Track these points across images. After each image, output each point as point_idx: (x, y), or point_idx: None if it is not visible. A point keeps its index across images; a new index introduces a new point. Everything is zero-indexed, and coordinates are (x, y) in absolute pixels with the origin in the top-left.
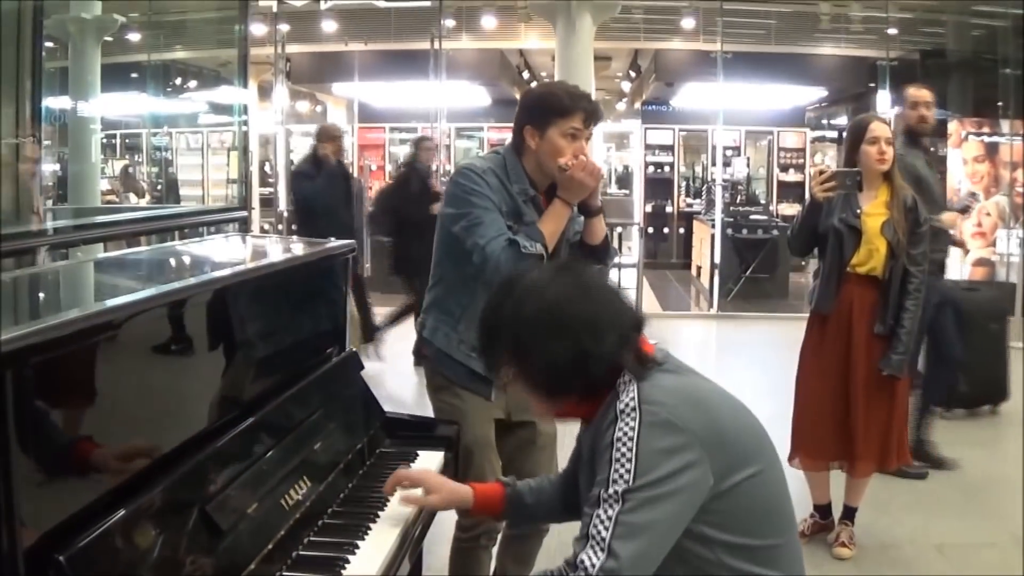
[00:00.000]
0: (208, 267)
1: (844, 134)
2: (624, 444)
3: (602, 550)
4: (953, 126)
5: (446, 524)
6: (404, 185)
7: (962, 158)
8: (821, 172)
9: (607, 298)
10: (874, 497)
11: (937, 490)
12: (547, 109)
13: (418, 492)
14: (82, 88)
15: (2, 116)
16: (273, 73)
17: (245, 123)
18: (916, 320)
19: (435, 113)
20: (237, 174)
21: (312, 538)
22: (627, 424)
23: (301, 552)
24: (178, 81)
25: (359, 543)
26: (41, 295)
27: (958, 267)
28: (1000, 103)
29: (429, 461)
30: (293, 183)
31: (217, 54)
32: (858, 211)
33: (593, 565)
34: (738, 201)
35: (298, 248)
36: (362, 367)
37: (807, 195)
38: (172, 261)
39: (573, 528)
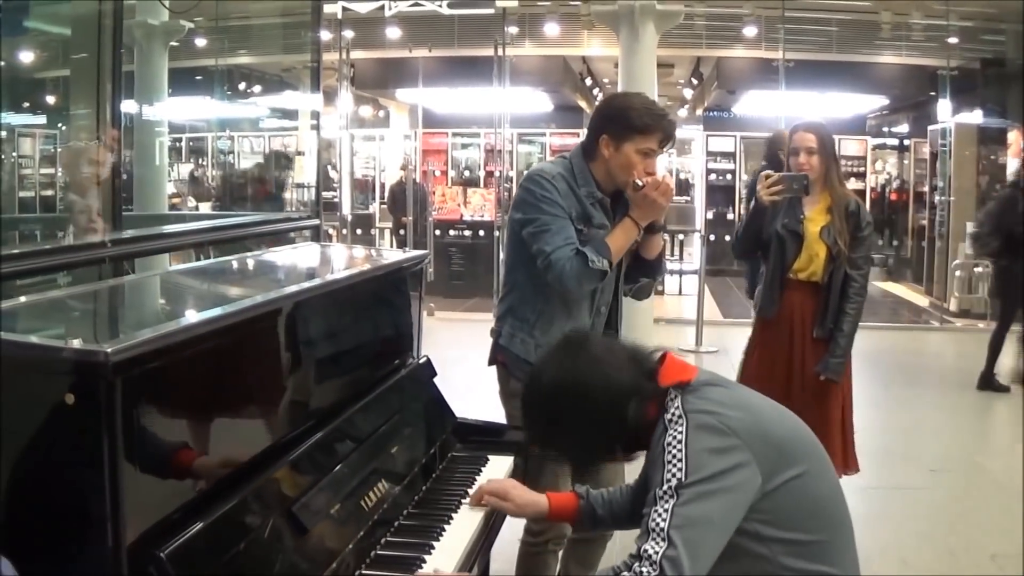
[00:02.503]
0: (294, 277)
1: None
2: (674, 447)
3: (663, 539)
4: (1013, 135)
5: (512, 528)
6: (1013, 203)
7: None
8: (768, 176)
9: (608, 359)
10: (929, 506)
11: (993, 499)
12: (628, 124)
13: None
14: (149, 92)
15: (77, 119)
16: (337, 79)
17: (317, 128)
18: (855, 324)
19: (498, 119)
20: (305, 179)
21: (389, 538)
22: (675, 430)
23: (379, 552)
24: (242, 86)
25: (434, 543)
26: (135, 305)
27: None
28: None
29: (499, 466)
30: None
31: (285, 59)
32: (801, 216)
33: (656, 552)
34: None
35: (373, 258)
36: (434, 373)
37: (753, 199)
38: (257, 272)
39: (636, 533)
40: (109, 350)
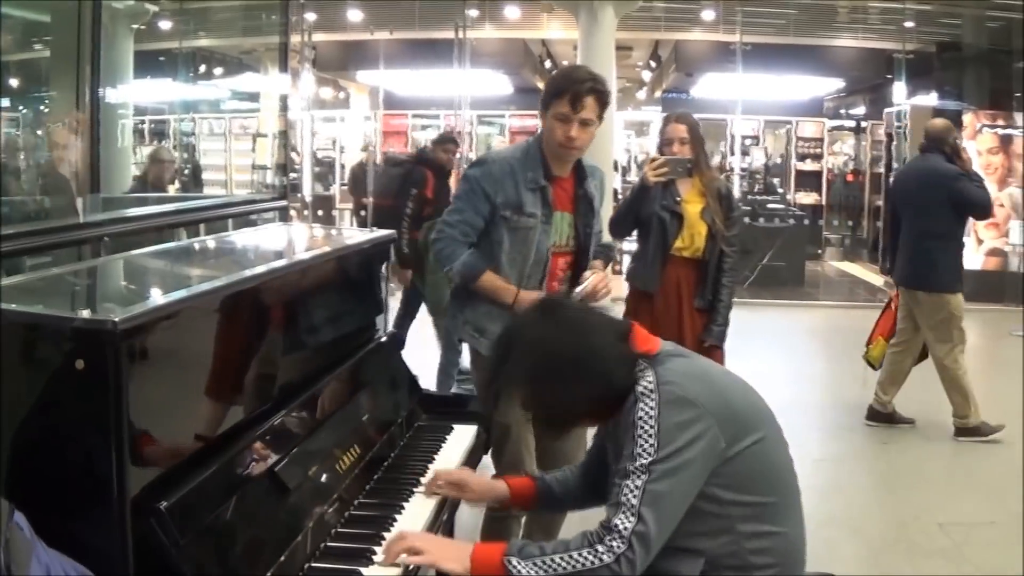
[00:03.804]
0: (272, 255)
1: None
2: (646, 422)
3: (633, 515)
4: (968, 118)
5: None
6: None
7: (976, 150)
8: (654, 159)
9: (590, 325)
10: (880, 477)
11: (941, 471)
12: (547, 92)
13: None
14: (113, 75)
15: (42, 102)
16: (299, 60)
17: (284, 109)
18: (732, 295)
19: (458, 101)
20: (271, 162)
21: (362, 500)
22: (647, 404)
23: (353, 512)
24: (203, 68)
25: (404, 504)
26: (123, 281)
27: (972, 256)
28: (1016, 95)
29: (463, 434)
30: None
31: (250, 42)
32: (678, 199)
33: (626, 528)
34: (756, 190)
35: (344, 238)
36: (401, 347)
37: (642, 180)
38: (232, 251)
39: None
40: (117, 319)
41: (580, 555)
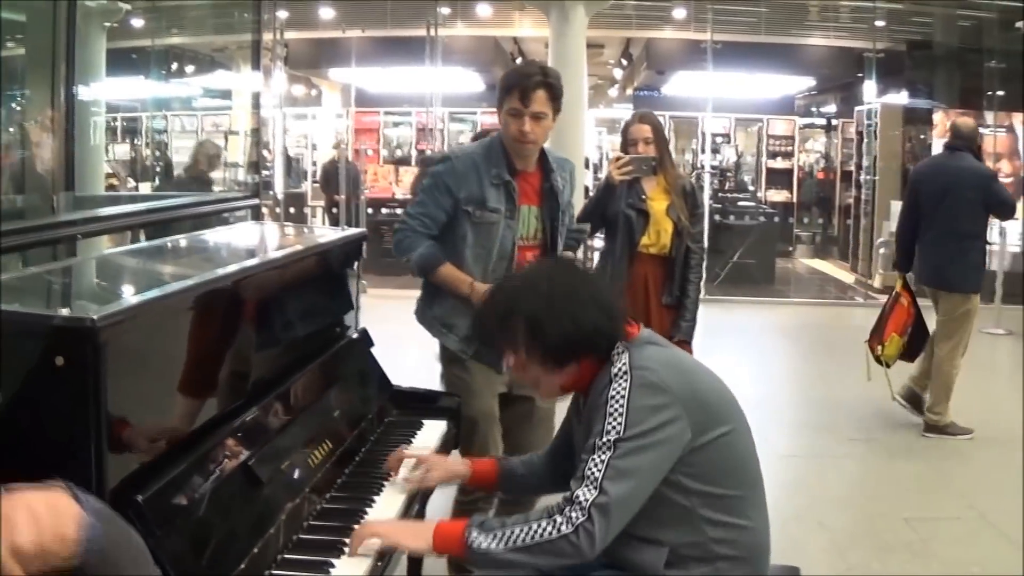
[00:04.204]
0: (245, 254)
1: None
2: (617, 401)
3: (595, 488)
4: (938, 116)
5: (448, 489)
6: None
7: None
8: (619, 158)
9: (604, 286)
10: (847, 473)
11: (908, 466)
12: (499, 90)
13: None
14: (86, 74)
15: (31, 101)
16: (271, 58)
17: (256, 107)
18: (699, 290)
19: (430, 98)
20: (243, 159)
21: (334, 493)
22: (620, 385)
23: (325, 505)
24: (176, 66)
25: (375, 498)
26: (100, 280)
27: None
28: (987, 94)
29: (433, 429)
30: None
31: (222, 39)
32: (643, 197)
33: (587, 500)
34: (727, 187)
35: (316, 237)
36: (372, 344)
37: (607, 178)
38: (205, 249)
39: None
40: (95, 317)
41: (539, 525)
